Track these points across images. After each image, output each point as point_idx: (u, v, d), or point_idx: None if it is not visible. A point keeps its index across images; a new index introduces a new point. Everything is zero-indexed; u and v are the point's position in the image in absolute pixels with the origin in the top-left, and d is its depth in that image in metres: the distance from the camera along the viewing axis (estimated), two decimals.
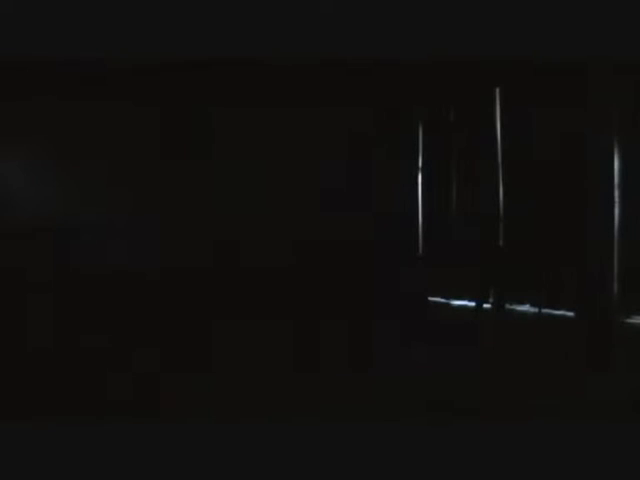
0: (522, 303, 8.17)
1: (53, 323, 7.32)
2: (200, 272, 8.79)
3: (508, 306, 8.28)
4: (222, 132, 9.22)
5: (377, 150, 9.47)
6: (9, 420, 3.70)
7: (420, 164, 9.50)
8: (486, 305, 8.49)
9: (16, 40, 6.35)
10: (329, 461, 3.02)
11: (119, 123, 8.89)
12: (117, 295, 8.37)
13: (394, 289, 9.21)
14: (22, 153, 8.57)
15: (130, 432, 3.49)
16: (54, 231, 8.31)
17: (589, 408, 3.90)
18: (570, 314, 7.49)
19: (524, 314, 7.93)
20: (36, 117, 8.61)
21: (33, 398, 4.23)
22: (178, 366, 5.34)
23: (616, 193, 7.22)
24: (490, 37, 6.27)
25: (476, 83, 8.32)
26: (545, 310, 7.83)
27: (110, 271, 8.39)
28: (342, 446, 3.20)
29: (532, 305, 8.05)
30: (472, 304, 8.27)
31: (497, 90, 8.32)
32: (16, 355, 5.54)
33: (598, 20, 5.78)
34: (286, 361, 5.58)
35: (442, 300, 9.00)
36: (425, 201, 9.47)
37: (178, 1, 5.74)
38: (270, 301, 8.82)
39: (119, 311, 8.07)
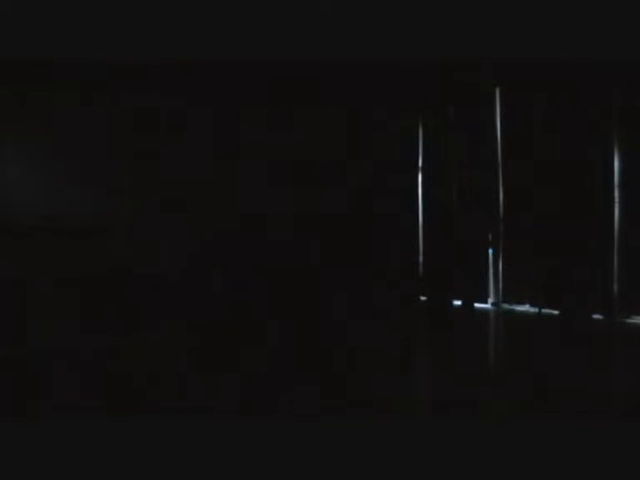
0: (522, 303, 8.17)
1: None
2: None
3: (508, 306, 8.29)
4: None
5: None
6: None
7: (420, 164, 9.48)
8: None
9: (15, 39, 6.36)
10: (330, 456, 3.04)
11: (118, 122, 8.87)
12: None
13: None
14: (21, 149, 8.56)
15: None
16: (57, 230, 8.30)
17: (587, 408, 3.90)
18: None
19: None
20: (35, 115, 8.59)
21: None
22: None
23: (616, 193, 7.22)
24: (490, 37, 6.27)
25: (476, 83, 8.32)
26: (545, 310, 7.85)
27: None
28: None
29: (532, 305, 8.05)
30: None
31: (497, 90, 8.32)
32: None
33: (596, 20, 5.79)
34: None
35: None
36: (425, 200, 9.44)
37: (182, 3, 5.74)
38: None
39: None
